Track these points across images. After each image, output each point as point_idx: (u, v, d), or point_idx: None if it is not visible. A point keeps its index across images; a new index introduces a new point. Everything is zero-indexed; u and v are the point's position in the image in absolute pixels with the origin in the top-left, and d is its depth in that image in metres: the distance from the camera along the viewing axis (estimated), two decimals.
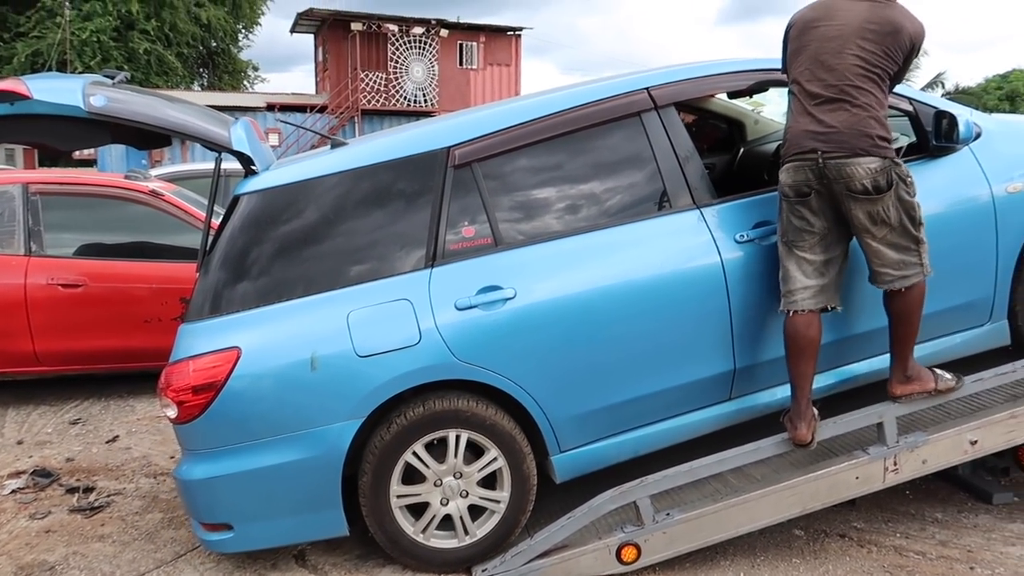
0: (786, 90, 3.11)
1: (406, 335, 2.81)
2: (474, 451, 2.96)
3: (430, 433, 2.89)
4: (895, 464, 3.08)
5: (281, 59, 76.12)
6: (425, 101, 25.23)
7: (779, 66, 3.19)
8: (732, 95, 3.72)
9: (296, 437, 2.80)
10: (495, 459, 2.94)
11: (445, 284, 2.88)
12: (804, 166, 2.83)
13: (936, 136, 3.18)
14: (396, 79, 24.79)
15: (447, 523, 2.98)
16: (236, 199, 2.98)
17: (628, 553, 2.94)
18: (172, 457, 4.32)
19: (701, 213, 3.07)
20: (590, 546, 2.93)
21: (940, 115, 3.17)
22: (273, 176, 2.99)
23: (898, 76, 2.90)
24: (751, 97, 4.18)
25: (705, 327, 3.04)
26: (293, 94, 26.37)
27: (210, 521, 2.93)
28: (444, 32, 25.28)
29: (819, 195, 2.84)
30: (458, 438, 2.90)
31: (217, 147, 3.00)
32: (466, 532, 2.98)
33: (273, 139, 22.57)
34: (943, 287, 3.10)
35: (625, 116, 3.11)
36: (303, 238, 2.92)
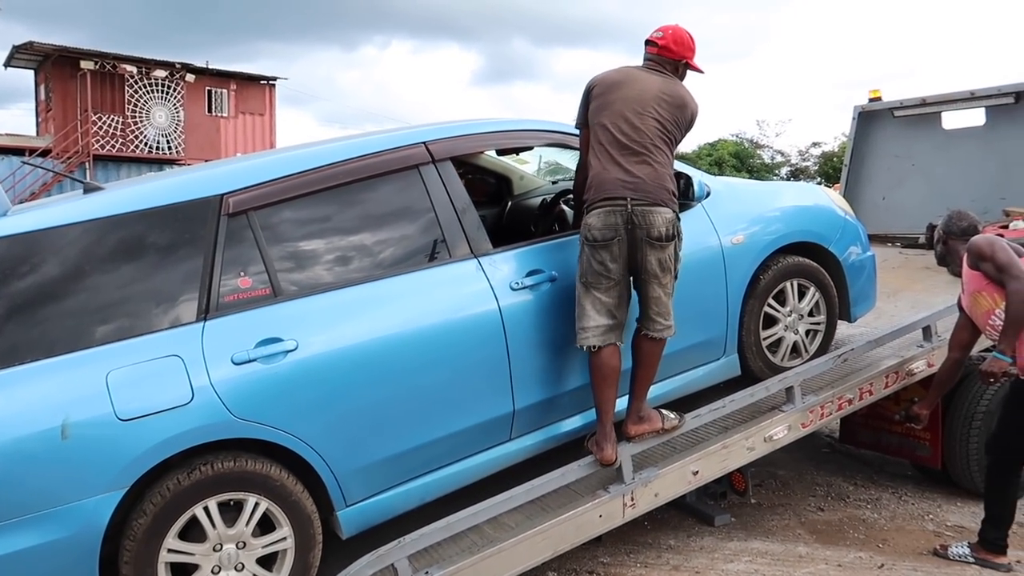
0: (538, 151, 3.34)
1: (176, 394, 2.61)
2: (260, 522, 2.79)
3: (230, 492, 2.69)
4: (632, 499, 3.34)
5: None
6: (169, 148, 23.59)
7: (546, 127, 3.57)
8: (500, 152, 3.94)
9: (43, 516, 2.44)
10: (284, 538, 2.79)
11: (220, 338, 2.72)
12: (615, 210, 3.09)
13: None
14: (135, 123, 22.94)
15: None
16: None
17: None
18: None
19: (479, 262, 3.21)
20: None
21: (678, 175, 3.52)
22: (13, 223, 2.64)
23: (677, 144, 3.28)
24: (518, 155, 4.50)
25: (485, 371, 3.15)
26: (7, 135, 23.30)
27: None
28: (190, 77, 23.89)
29: (621, 242, 3.09)
30: (256, 505, 2.73)
31: None
32: None
33: None
34: (688, 326, 3.46)
35: (404, 168, 3.19)
36: (51, 292, 2.62)
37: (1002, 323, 3.56)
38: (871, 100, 6.84)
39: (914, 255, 6.37)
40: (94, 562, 2.53)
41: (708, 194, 3.66)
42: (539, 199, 4.30)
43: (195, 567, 2.68)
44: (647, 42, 3.35)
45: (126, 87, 22.80)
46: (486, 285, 3.17)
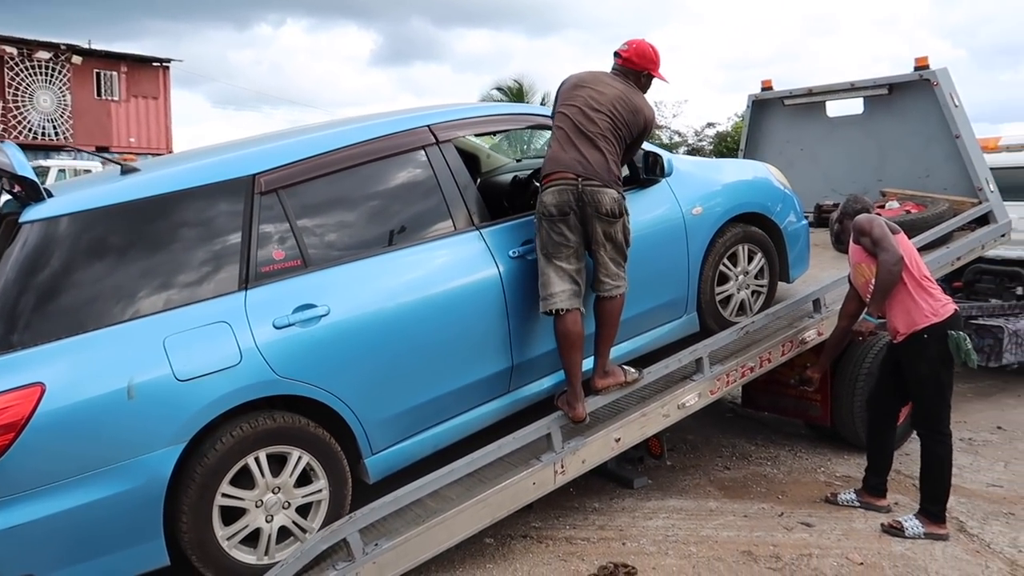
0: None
1: (226, 355, 2.89)
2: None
3: (277, 446, 3.02)
4: (562, 467, 3.64)
5: None
6: (56, 134, 22.34)
7: (530, 112, 4.10)
8: (478, 134, 4.29)
9: (112, 470, 2.71)
10: (321, 490, 3.14)
11: (261, 305, 3.00)
12: (567, 188, 3.43)
13: (645, 171, 4.01)
14: (17, 108, 21.57)
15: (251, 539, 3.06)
16: (18, 227, 2.74)
17: None
18: None
19: (480, 234, 3.54)
20: None
21: (648, 155, 4.01)
22: (64, 202, 2.86)
23: (634, 144, 3.68)
24: (494, 136, 4.80)
25: (489, 330, 3.51)
26: None
27: None
28: (77, 59, 22.60)
29: (574, 215, 3.43)
30: (299, 459, 3.06)
31: None
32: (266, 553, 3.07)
33: None
34: (656, 288, 3.97)
35: (412, 149, 3.49)
36: (106, 265, 2.85)
37: None
38: (763, 89, 7.32)
39: None
40: (159, 508, 2.80)
41: (672, 172, 4.07)
42: (510, 176, 4.63)
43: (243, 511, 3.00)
44: (615, 53, 3.76)
45: (6, 70, 21.39)
46: (488, 253, 3.52)
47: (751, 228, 4.45)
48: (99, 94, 23.55)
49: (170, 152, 22.99)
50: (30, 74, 21.75)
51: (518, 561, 3.68)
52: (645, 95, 3.75)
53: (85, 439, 2.68)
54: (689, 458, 5.18)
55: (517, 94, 23.68)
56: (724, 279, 4.39)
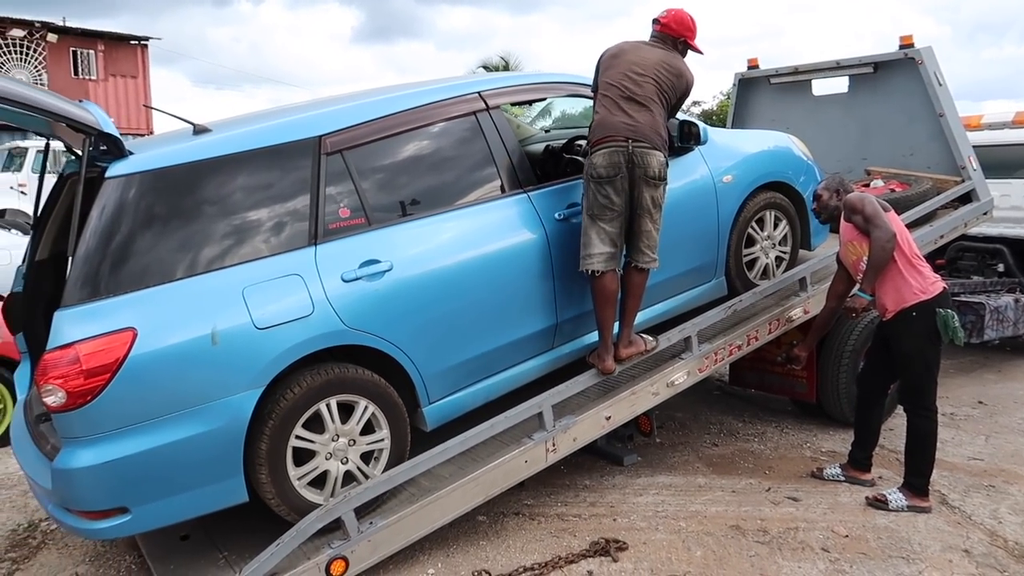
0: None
1: (300, 306, 3.05)
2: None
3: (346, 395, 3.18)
4: (553, 445, 3.68)
5: None
6: None
7: (572, 81, 4.15)
8: (527, 102, 4.41)
9: (198, 411, 2.87)
10: (383, 439, 3.31)
11: (330, 259, 3.16)
12: (617, 150, 3.52)
13: (680, 139, 4.09)
14: None
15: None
16: (105, 182, 2.88)
17: (337, 567, 3.10)
18: None
19: (529, 197, 3.73)
20: (300, 568, 3.04)
21: (684, 123, 4.10)
22: (146, 159, 2.97)
23: (675, 108, 3.78)
24: (530, 105, 4.82)
25: (536, 289, 3.69)
26: None
27: (102, 508, 2.85)
28: (52, 37, 22.20)
29: (623, 179, 3.52)
30: (366, 408, 3.23)
31: (86, 129, 2.82)
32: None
33: None
34: (688, 253, 4.14)
35: (465, 115, 3.67)
36: (187, 219, 2.98)
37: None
38: (749, 68, 7.32)
39: None
40: (239, 447, 2.97)
41: (707, 140, 4.17)
42: (542, 145, 4.73)
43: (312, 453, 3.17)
44: (653, 20, 3.85)
45: None
46: (535, 216, 3.66)
47: (776, 195, 4.57)
48: (76, 73, 23.17)
49: (151, 132, 22.68)
50: (3, 53, 21.35)
51: (511, 538, 3.72)
52: None
53: (173, 381, 2.84)
54: (678, 435, 5.24)
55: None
56: (751, 244, 4.53)
